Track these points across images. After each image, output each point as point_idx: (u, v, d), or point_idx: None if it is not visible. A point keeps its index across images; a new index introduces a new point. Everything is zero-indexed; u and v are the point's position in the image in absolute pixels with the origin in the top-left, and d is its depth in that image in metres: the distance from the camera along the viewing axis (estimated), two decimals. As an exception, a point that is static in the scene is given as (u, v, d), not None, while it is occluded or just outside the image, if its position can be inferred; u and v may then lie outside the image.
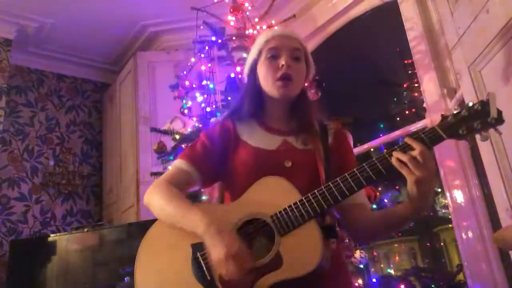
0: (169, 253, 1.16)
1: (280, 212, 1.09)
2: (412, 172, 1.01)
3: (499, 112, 1.01)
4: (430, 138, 1.04)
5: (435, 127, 1.05)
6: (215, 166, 1.27)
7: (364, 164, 1.08)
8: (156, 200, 1.21)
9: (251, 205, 1.13)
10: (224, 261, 1.02)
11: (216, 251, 1.04)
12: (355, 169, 1.08)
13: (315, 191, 1.10)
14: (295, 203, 1.09)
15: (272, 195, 1.13)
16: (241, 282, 1.03)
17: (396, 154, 1.04)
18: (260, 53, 1.32)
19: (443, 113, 1.07)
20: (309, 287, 1.05)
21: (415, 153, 1.01)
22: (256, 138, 1.27)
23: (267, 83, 1.28)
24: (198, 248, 1.11)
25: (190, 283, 1.09)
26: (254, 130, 1.30)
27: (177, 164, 1.28)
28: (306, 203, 1.08)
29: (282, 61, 1.26)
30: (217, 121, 1.41)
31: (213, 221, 1.09)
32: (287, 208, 1.09)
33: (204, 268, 1.09)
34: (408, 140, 1.04)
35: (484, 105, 1.02)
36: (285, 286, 1.03)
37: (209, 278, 1.07)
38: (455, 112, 1.05)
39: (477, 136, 1.03)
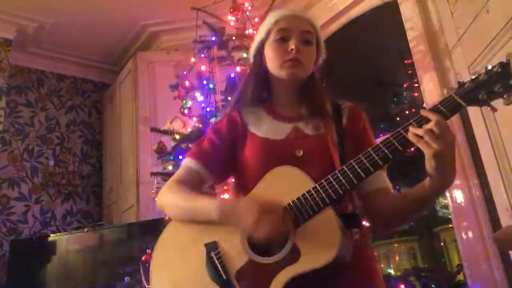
0: (183, 254, 1.13)
1: (293, 201, 1.02)
2: (430, 145, 0.93)
3: None
4: (448, 107, 0.96)
5: (452, 94, 0.98)
6: (224, 162, 1.23)
7: (379, 143, 1.01)
8: (169, 200, 1.18)
9: (264, 197, 1.07)
10: (257, 220, 0.98)
11: (243, 218, 1.01)
12: (369, 149, 1.01)
13: (329, 176, 1.02)
14: (309, 191, 1.02)
15: (285, 185, 1.07)
16: (283, 228, 0.99)
17: (412, 129, 0.96)
18: (268, 33, 1.23)
19: (460, 80, 1.00)
20: (330, 279, 1.00)
21: (431, 124, 0.93)
22: (264, 127, 1.21)
23: (274, 66, 1.21)
24: (211, 247, 1.08)
25: (206, 284, 1.05)
26: (261, 118, 1.24)
27: (186, 163, 1.24)
28: (320, 190, 1.01)
29: (291, 45, 1.18)
30: (224, 114, 1.34)
31: (222, 201, 1.07)
32: (300, 197, 1.02)
33: (219, 268, 1.05)
34: (424, 112, 0.97)
35: (505, 66, 0.94)
36: (305, 279, 0.97)
37: (224, 277, 1.04)
38: (473, 77, 0.97)
39: (500, 101, 0.96)
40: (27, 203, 4.07)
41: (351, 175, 1.01)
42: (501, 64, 0.95)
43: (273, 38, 1.22)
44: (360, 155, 1.02)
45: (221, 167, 1.24)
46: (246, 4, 2.77)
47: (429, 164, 0.95)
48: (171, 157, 2.68)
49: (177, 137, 2.67)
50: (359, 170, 1.00)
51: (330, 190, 1.01)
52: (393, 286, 2.52)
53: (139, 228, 3.25)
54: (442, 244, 3.52)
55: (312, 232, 1.00)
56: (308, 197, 1.02)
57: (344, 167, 1.02)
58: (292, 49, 1.18)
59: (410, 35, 2.66)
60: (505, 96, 0.94)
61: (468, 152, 2.27)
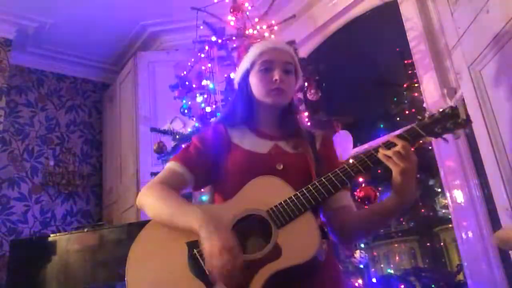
0: (163, 253, 1.16)
1: (276, 206, 1.14)
2: (397, 164, 1.11)
3: (467, 116, 1.19)
4: (411, 136, 1.18)
5: (413, 126, 1.20)
6: (207, 168, 1.31)
7: (353, 161, 1.19)
8: (150, 200, 1.23)
9: (247, 202, 1.16)
10: (217, 254, 1.03)
11: (210, 244, 1.05)
12: (345, 165, 1.18)
13: (309, 185, 1.16)
14: (290, 197, 1.14)
15: (267, 192, 1.18)
16: (233, 275, 1.04)
17: (382, 150, 1.15)
18: (253, 64, 1.37)
19: (419, 117, 1.23)
20: (306, 278, 1.11)
21: (398, 147, 1.13)
22: (247, 142, 1.32)
23: (260, 93, 1.35)
24: (194, 245, 1.12)
25: (188, 281, 1.09)
26: (245, 134, 1.35)
27: (170, 165, 1.31)
28: (301, 196, 1.14)
29: (275, 76, 1.32)
30: (210, 126, 1.47)
31: (210, 217, 1.11)
32: (282, 202, 1.14)
33: (203, 264, 1.09)
34: (391, 139, 1.17)
35: (454, 110, 1.19)
36: (285, 276, 1.06)
37: (208, 273, 1.08)
38: (431, 115, 1.21)
39: (451, 135, 1.21)
40: (27, 203, 4.07)
41: (329, 186, 1.16)
42: (451, 107, 1.20)
43: (257, 68, 1.36)
44: (337, 169, 1.18)
45: (204, 172, 1.31)
46: (246, 4, 2.77)
47: (396, 180, 1.13)
48: (171, 157, 2.67)
49: (177, 137, 2.67)
50: (336, 181, 1.16)
51: (310, 197, 1.15)
52: (393, 286, 2.52)
53: (139, 228, 3.19)
54: (442, 244, 3.52)
55: (293, 232, 1.11)
56: (290, 202, 1.14)
57: (323, 179, 1.17)
58: (276, 80, 1.32)
59: (410, 35, 2.66)
60: (454, 131, 1.19)
61: (468, 152, 2.27)
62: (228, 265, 1.02)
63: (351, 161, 1.19)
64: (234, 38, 2.67)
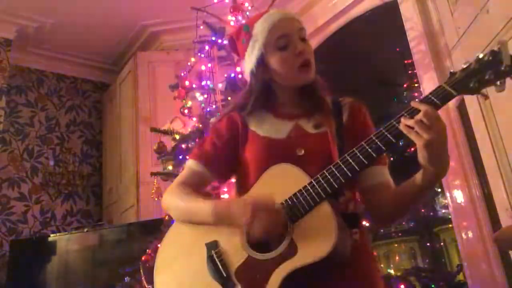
0: (186, 255, 1.15)
1: (290, 198, 1.04)
2: (420, 136, 0.94)
3: None
4: (439, 97, 0.97)
5: (442, 84, 0.98)
6: (225, 162, 1.24)
7: (372, 136, 1.02)
8: (172, 201, 1.21)
9: (260, 195, 1.09)
10: (252, 218, 1.00)
11: (238, 218, 1.03)
12: (363, 142, 1.02)
13: (324, 171, 1.04)
14: (305, 187, 1.04)
15: (281, 182, 1.09)
16: (278, 223, 1.01)
17: (404, 120, 0.97)
18: (266, 45, 1.21)
19: (451, 70, 1.00)
20: (328, 274, 1.00)
21: (420, 115, 0.94)
22: (265, 126, 1.22)
23: (287, 73, 1.21)
24: (212, 246, 1.10)
25: (207, 283, 1.07)
26: (263, 119, 1.24)
27: (189, 164, 1.26)
28: (315, 184, 1.03)
29: (298, 48, 1.18)
30: (224, 114, 1.34)
31: (217, 203, 1.09)
32: (297, 193, 1.04)
33: (220, 266, 1.06)
34: (414, 104, 0.98)
35: (496, 54, 0.94)
36: (303, 274, 0.98)
37: (225, 275, 1.05)
38: (464, 66, 0.98)
39: (492, 88, 0.95)
40: (27, 203, 4.07)
41: (345, 169, 1.02)
42: (492, 52, 0.95)
43: (275, 47, 1.20)
44: (354, 149, 1.03)
45: (222, 167, 1.25)
46: (246, 4, 2.77)
47: (421, 154, 0.96)
48: (171, 157, 2.68)
49: (177, 137, 2.67)
50: (353, 163, 1.02)
51: (325, 185, 1.02)
52: (393, 286, 2.52)
53: (139, 228, 3.25)
54: (442, 244, 3.52)
55: (309, 227, 1.01)
56: (304, 192, 1.03)
57: (339, 161, 1.04)
58: (300, 52, 1.18)
59: (410, 35, 2.66)
60: (498, 83, 0.94)
61: (468, 152, 2.27)
62: (270, 219, 0.99)
63: (372, 135, 1.02)
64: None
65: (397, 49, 3.44)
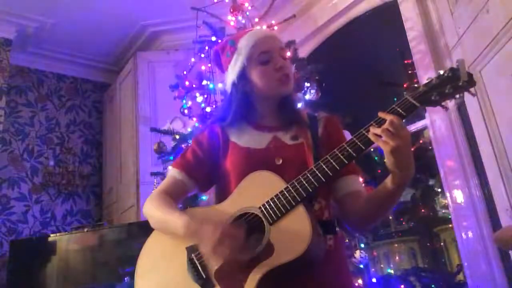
0: (166, 260, 1.18)
1: (267, 201, 1.10)
2: (387, 143, 1.02)
3: (470, 75, 1.03)
4: (403, 108, 1.06)
5: (406, 96, 1.08)
6: (207, 172, 1.30)
7: (343, 144, 1.10)
8: (149, 210, 1.25)
9: (241, 201, 1.15)
10: (217, 246, 1.02)
11: (204, 242, 1.05)
12: (335, 150, 1.10)
13: (299, 176, 1.11)
14: (281, 191, 1.10)
15: (260, 188, 1.14)
16: (238, 261, 1.04)
17: (372, 129, 1.05)
18: (249, 58, 1.31)
19: (415, 84, 1.11)
20: (301, 274, 1.06)
21: (386, 124, 1.03)
22: (245, 137, 1.29)
23: (266, 86, 1.29)
24: (192, 250, 1.13)
25: (188, 285, 1.10)
26: (243, 130, 1.31)
27: (171, 173, 1.31)
28: (291, 189, 1.09)
29: (278, 63, 1.28)
30: (205, 126, 1.43)
31: (191, 219, 1.12)
32: (273, 197, 1.10)
33: (199, 267, 1.11)
34: (381, 114, 1.07)
35: (455, 71, 1.03)
36: (280, 275, 1.04)
37: (204, 276, 1.09)
38: (426, 81, 1.08)
39: (452, 102, 1.04)
40: (27, 203, 4.07)
41: (319, 174, 1.09)
42: (451, 69, 1.05)
43: (257, 62, 1.30)
44: (327, 156, 1.11)
45: (204, 176, 1.31)
46: (246, 4, 2.77)
47: (388, 160, 1.04)
48: (171, 157, 2.68)
49: (177, 137, 2.67)
50: (326, 169, 1.09)
51: (300, 189, 1.09)
52: (393, 286, 2.52)
53: (139, 228, 3.24)
54: (442, 244, 3.52)
55: (285, 229, 1.07)
56: (281, 196, 1.09)
57: (313, 167, 1.11)
58: (280, 67, 1.28)
59: (410, 35, 2.66)
60: (456, 96, 1.05)
61: (468, 152, 2.27)
62: (230, 252, 1.02)
63: (343, 143, 1.11)
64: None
65: (397, 49, 3.44)
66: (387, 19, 3.01)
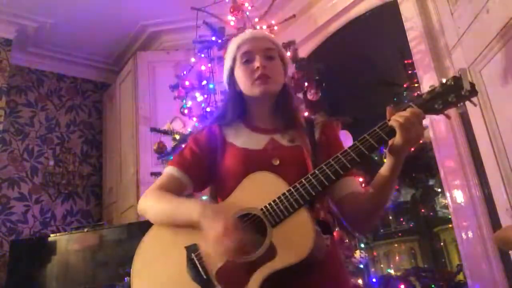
0: (164, 258, 1.16)
1: (270, 204, 1.09)
2: (408, 128, 1.06)
3: (472, 85, 1.06)
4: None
5: (411, 104, 1.10)
6: (204, 171, 1.29)
7: (347, 148, 1.11)
8: (149, 204, 1.24)
9: (241, 201, 1.14)
10: (222, 236, 1.02)
11: (214, 229, 1.04)
12: (339, 154, 1.11)
13: (302, 179, 1.11)
14: (284, 194, 1.10)
15: (261, 189, 1.14)
16: (240, 262, 1.03)
17: (395, 116, 1.08)
18: (234, 59, 1.34)
19: (418, 92, 1.11)
20: (302, 275, 1.07)
21: (408, 111, 1.07)
22: (242, 139, 1.29)
23: (246, 86, 1.31)
24: (192, 249, 1.12)
25: (187, 284, 1.09)
26: (240, 131, 1.32)
27: (168, 170, 1.30)
28: (294, 192, 1.09)
29: (256, 63, 1.28)
30: (204, 126, 1.43)
31: (207, 205, 1.12)
32: (276, 199, 1.10)
33: (200, 268, 1.09)
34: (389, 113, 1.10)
35: (457, 80, 1.07)
36: (281, 276, 1.04)
37: (205, 277, 1.08)
38: (429, 89, 1.10)
39: (454, 109, 1.06)
40: (27, 203, 4.07)
41: (322, 178, 1.10)
42: (454, 78, 1.08)
43: (239, 62, 1.32)
44: (330, 160, 1.12)
45: (201, 175, 1.30)
46: (246, 4, 2.77)
47: (401, 139, 1.06)
48: (171, 157, 2.68)
49: (177, 137, 2.67)
50: (329, 172, 1.10)
51: (303, 192, 1.09)
52: (393, 286, 2.52)
53: (139, 228, 3.24)
54: (442, 244, 3.52)
55: (288, 231, 1.07)
56: (283, 199, 1.09)
57: (316, 171, 1.12)
58: (258, 67, 1.28)
59: (410, 35, 2.66)
60: (458, 105, 1.09)
61: (468, 152, 2.27)
62: (233, 247, 1.01)
63: (347, 148, 1.12)
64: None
65: (397, 49, 3.44)
66: (387, 19, 3.01)
